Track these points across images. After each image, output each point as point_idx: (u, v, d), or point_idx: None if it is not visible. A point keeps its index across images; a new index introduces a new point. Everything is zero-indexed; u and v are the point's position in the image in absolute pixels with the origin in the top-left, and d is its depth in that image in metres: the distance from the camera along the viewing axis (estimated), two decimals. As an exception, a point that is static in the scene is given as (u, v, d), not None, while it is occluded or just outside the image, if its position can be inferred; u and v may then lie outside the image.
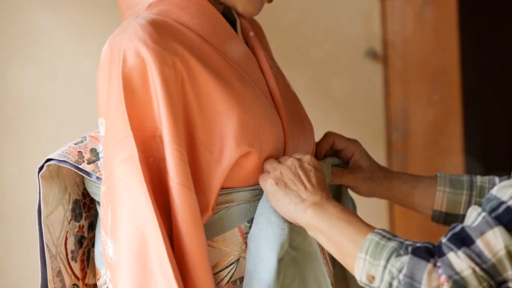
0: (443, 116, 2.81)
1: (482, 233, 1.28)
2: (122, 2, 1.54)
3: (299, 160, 1.50)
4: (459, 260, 1.28)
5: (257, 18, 1.66)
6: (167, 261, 1.37)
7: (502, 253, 1.27)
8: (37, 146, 2.40)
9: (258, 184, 1.51)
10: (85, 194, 1.64)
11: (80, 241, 1.63)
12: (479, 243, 1.28)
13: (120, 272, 1.41)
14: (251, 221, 1.51)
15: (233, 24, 1.61)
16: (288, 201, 1.46)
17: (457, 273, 1.28)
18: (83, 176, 1.60)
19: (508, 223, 1.28)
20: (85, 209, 1.64)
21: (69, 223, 1.61)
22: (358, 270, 1.36)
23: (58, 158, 1.54)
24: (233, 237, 1.51)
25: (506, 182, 1.32)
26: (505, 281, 1.28)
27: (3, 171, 2.40)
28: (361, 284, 1.37)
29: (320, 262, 1.53)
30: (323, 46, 2.71)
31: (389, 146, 2.80)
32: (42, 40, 2.40)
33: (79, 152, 1.55)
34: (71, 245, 1.61)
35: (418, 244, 1.32)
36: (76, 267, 1.62)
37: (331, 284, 1.55)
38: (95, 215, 1.66)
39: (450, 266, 1.28)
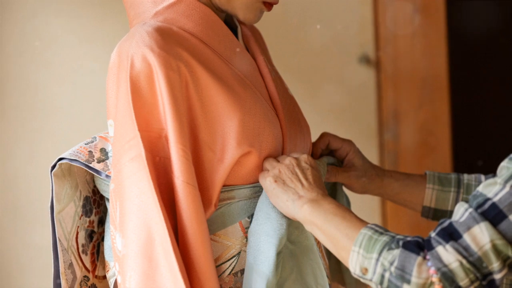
0: (432, 118, 2.81)
1: (469, 228, 1.28)
2: (130, 11, 1.54)
3: (296, 159, 1.50)
4: (447, 253, 1.28)
5: (257, 25, 1.66)
6: (172, 253, 1.37)
7: (487, 246, 1.27)
8: (50, 146, 2.40)
9: (258, 181, 1.51)
10: (95, 191, 1.63)
11: (90, 235, 1.63)
12: (466, 237, 1.28)
13: (128, 264, 1.41)
14: (251, 216, 1.51)
15: (234, 31, 1.61)
16: (286, 198, 1.45)
17: (445, 266, 1.28)
18: (93, 174, 1.60)
19: (493, 219, 1.28)
20: (95, 205, 1.64)
21: (80, 219, 1.61)
22: (352, 262, 1.35)
23: (69, 157, 1.54)
24: (234, 232, 1.50)
25: (491, 180, 1.32)
26: (490, 273, 1.28)
27: (18, 170, 2.39)
28: (355, 276, 1.37)
29: (316, 255, 1.53)
30: (319, 52, 2.71)
31: (381, 146, 2.80)
32: (55, 46, 2.40)
33: (90, 151, 1.55)
34: (82, 239, 1.61)
35: (408, 238, 1.32)
36: (87, 260, 1.62)
37: (327, 275, 1.55)
38: (105, 211, 1.66)
39: (438, 259, 1.28)
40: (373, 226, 1.36)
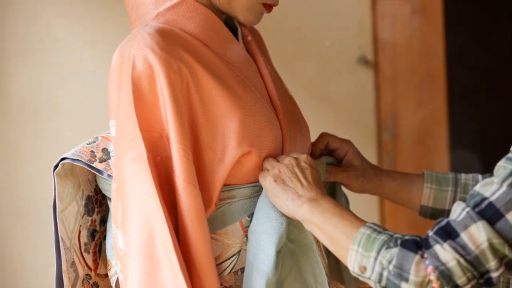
0: (430, 118, 2.81)
1: (466, 227, 1.29)
2: (132, 12, 1.54)
3: (296, 159, 1.50)
4: (444, 252, 1.28)
5: (257, 26, 1.66)
6: (173, 252, 1.37)
7: (484, 245, 1.27)
8: (52, 146, 2.40)
9: (258, 181, 1.51)
10: (97, 190, 1.64)
11: (92, 234, 1.63)
12: (464, 236, 1.28)
13: (129, 262, 1.41)
14: (251, 215, 1.52)
15: (234, 32, 1.61)
16: (286, 197, 1.46)
17: (443, 264, 1.28)
18: (95, 174, 1.60)
19: (490, 218, 1.28)
20: (97, 204, 1.64)
21: (82, 218, 1.61)
22: (351, 261, 1.36)
23: (72, 157, 1.54)
24: (234, 231, 1.51)
25: (488, 179, 1.32)
26: (487, 272, 1.28)
27: (21, 170, 2.40)
28: (354, 275, 1.37)
29: (315, 254, 1.53)
30: (318, 53, 2.71)
31: (380, 146, 2.80)
32: (57, 47, 2.40)
33: (92, 151, 1.55)
34: (84, 238, 1.61)
35: (406, 237, 1.32)
36: (89, 258, 1.62)
37: (326, 274, 1.55)
38: (107, 210, 1.66)
39: (436, 257, 1.28)
40: (371, 225, 1.37)
